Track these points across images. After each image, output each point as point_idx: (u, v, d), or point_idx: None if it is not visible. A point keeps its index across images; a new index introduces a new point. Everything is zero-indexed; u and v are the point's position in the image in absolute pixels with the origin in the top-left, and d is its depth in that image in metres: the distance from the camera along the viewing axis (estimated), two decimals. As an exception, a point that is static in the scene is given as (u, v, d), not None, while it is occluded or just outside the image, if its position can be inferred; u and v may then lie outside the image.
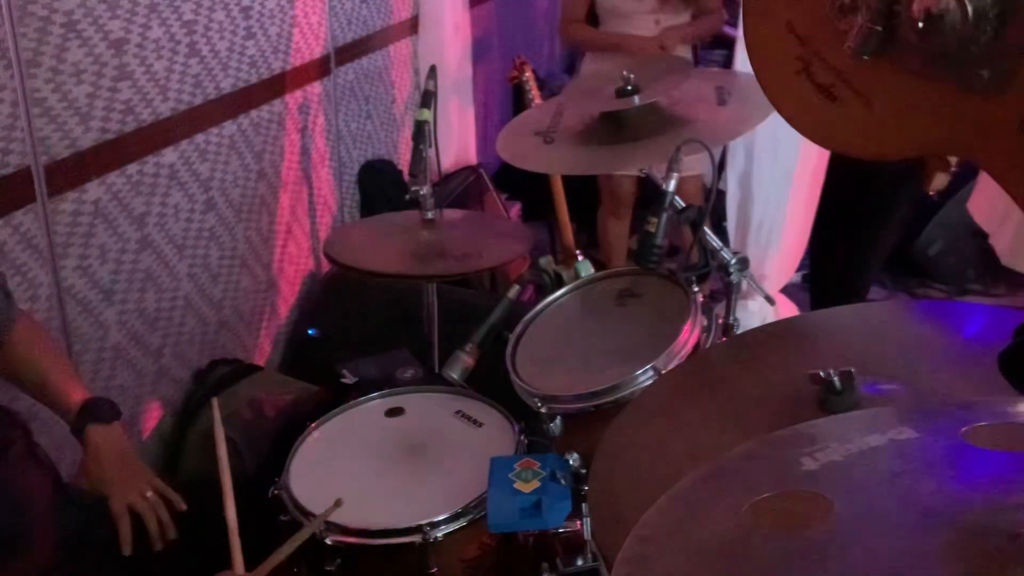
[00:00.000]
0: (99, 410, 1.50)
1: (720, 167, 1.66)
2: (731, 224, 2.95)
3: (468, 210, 3.26)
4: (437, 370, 2.19)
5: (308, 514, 1.54)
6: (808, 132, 0.58)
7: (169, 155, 2.16)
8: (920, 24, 0.49)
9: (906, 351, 1.15)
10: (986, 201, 2.76)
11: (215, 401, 1.54)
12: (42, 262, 1.83)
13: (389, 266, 2.09)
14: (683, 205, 1.68)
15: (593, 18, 3.26)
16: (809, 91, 0.56)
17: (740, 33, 2.74)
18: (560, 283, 1.87)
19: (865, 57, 0.52)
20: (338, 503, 1.51)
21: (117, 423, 1.52)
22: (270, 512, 1.58)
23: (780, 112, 0.58)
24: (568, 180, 2.84)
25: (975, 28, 0.48)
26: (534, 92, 3.05)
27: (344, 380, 2.11)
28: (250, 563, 1.38)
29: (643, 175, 1.92)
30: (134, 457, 1.53)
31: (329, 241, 2.31)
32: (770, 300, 2.10)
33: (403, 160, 3.42)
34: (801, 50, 0.56)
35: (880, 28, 0.51)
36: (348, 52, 2.99)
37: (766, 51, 0.58)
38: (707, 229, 1.71)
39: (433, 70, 2.34)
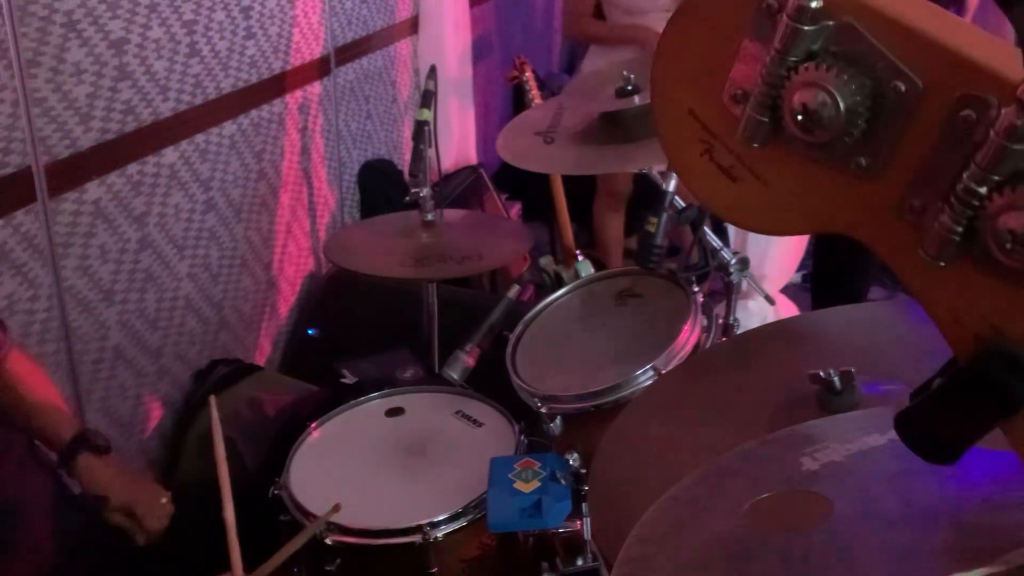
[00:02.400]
0: (92, 439, 1.47)
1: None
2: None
3: (468, 210, 3.25)
4: (437, 370, 2.19)
5: (308, 514, 1.54)
6: (715, 208, 0.63)
7: (169, 155, 2.16)
8: (799, 118, 0.53)
9: (906, 351, 1.15)
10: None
11: (213, 399, 1.54)
12: (42, 262, 1.83)
13: (389, 269, 2.09)
14: (683, 205, 1.68)
15: (598, 15, 3.25)
16: (713, 171, 0.60)
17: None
18: (560, 283, 1.87)
19: (755, 145, 0.56)
20: (336, 508, 1.51)
21: (110, 456, 1.49)
22: (270, 512, 1.58)
23: (690, 189, 0.63)
24: (568, 180, 2.84)
25: (847, 122, 0.51)
26: (534, 92, 3.05)
27: (344, 380, 2.11)
28: (251, 563, 1.38)
29: (643, 173, 1.92)
30: (133, 469, 1.52)
31: (329, 243, 2.31)
32: (770, 300, 2.10)
33: (403, 160, 3.42)
34: (703, 134, 0.60)
35: (766, 119, 0.55)
36: (348, 52, 2.99)
37: (674, 135, 0.62)
38: (707, 229, 1.71)
39: (433, 70, 2.34)
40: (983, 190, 0.47)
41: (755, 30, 0.55)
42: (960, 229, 0.48)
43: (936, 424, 0.53)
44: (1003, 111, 0.45)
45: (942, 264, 0.50)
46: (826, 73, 0.51)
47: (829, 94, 0.51)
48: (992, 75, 0.46)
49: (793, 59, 0.53)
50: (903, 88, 0.50)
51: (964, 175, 0.47)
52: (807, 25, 0.52)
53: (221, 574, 1.35)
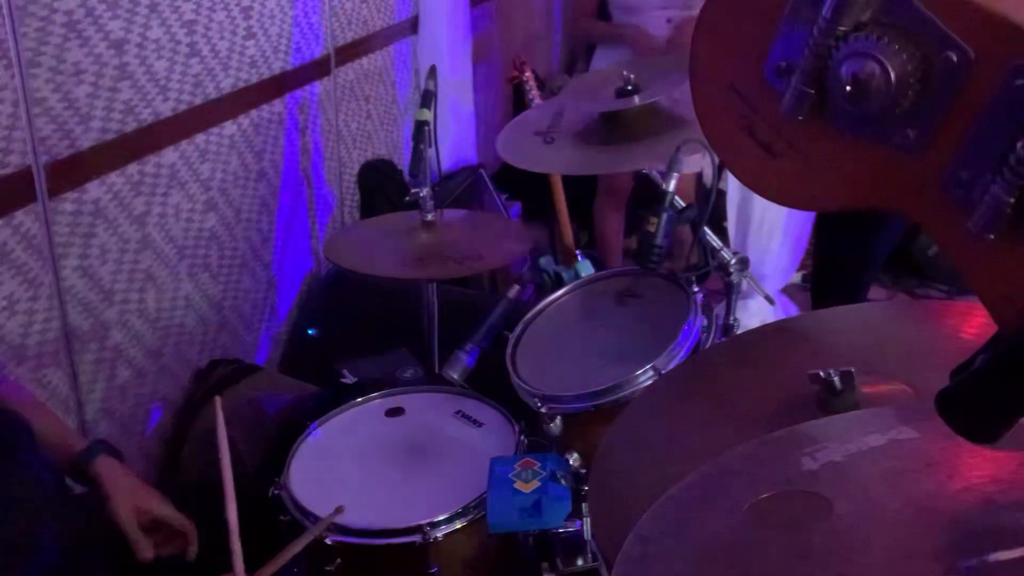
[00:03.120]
0: (107, 446, 1.49)
1: (720, 167, 1.66)
2: (731, 224, 2.96)
3: (468, 210, 3.25)
4: (437, 370, 2.19)
5: (308, 514, 1.54)
6: (753, 184, 0.62)
7: (169, 155, 2.16)
8: (848, 88, 0.52)
9: (906, 351, 1.16)
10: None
11: (217, 400, 1.53)
12: (43, 262, 1.83)
13: (389, 269, 2.09)
14: (683, 205, 1.68)
15: (606, 15, 3.28)
16: (752, 147, 0.59)
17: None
18: (560, 283, 1.87)
19: (799, 118, 0.56)
20: (339, 509, 1.51)
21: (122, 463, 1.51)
22: (270, 512, 1.58)
23: (727, 166, 0.63)
24: (568, 180, 2.84)
25: (898, 93, 0.51)
26: (534, 92, 3.05)
27: (344, 380, 2.11)
28: (251, 564, 1.38)
29: (644, 173, 1.92)
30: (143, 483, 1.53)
31: (329, 243, 2.31)
32: (770, 300, 2.10)
33: (403, 160, 3.42)
34: (744, 109, 0.59)
35: (812, 91, 0.55)
36: (348, 52, 2.98)
37: (713, 111, 0.62)
38: (707, 229, 1.71)
39: (433, 70, 2.34)
40: None
41: (802, 0, 0.54)
42: (1012, 200, 0.47)
43: (981, 402, 0.52)
44: None
45: (991, 237, 0.49)
46: (876, 42, 0.50)
47: (879, 64, 0.50)
48: None
49: (842, 29, 0.52)
50: (954, 58, 0.49)
51: (1019, 145, 0.46)
52: None
53: (223, 575, 1.35)
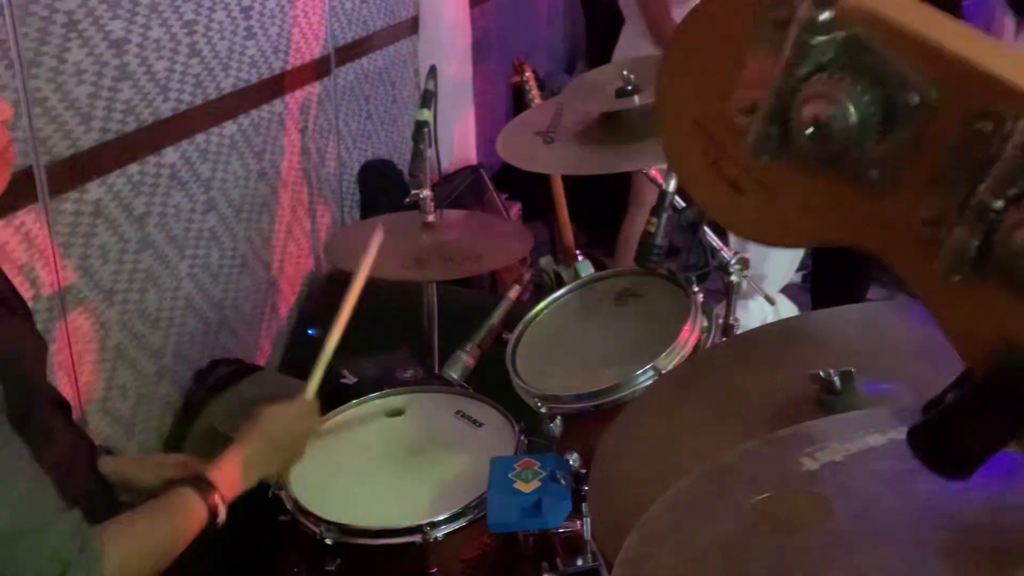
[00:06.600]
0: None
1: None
2: (731, 224, 2.95)
3: (468, 211, 3.25)
4: (437, 370, 2.19)
5: (308, 514, 1.54)
6: (720, 219, 0.61)
7: (170, 155, 2.16)
8: (810, 130, 0.52)
9: (906, 351, 1.16)
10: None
11: (379, 226, 1.73)
12: (43, 262, 1.83)
13: (389, 270, 2.09)
14: (683, 205, 1.68)
15: None
16: (719, 183, 0.59)
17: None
18: (560, 283, 1.87)
19: (764, 158, 0.55)
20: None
21: None
22: (270, 512, 1.58)
23: (695, 201, 0.63)
24: (568, 179, 2.84)
25: (860, 134, 0.51)
26: (534, 92, 3.05)
27: (344, 380, 2.11)
28: (249, 567, 1.38)
29: (644, 174, 1.92)
30: None
31: (329, 243, 2.31)
32: (770, 300, 2.10)
33: (403, 160, 3.42)
34: (710, 145, 0.59)
35: (775, 132, 0.54)
36: (348, 52, 2.99)
37: (679, 144, 0.61)
38: (707, 229, 1.71)
39: (433, 70, 2.33)
40: (999, 204, 0.46)
41: (764, 41, 0.54)
42: (976, 243, 0.47)
43: (952, 438, 0.52)
44: (1020, 123, 0.45)
45: (957, 278, 0.49)
46: (837, 85, 0.50)
47: (841, 106, 0.50)
48: (1008, 87, 0.46)
49: (803, 71, 0.52)
50: (916, 100, 0.49)
51: (980, 188, 0.47)
52: (818, 36, 0.51)
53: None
